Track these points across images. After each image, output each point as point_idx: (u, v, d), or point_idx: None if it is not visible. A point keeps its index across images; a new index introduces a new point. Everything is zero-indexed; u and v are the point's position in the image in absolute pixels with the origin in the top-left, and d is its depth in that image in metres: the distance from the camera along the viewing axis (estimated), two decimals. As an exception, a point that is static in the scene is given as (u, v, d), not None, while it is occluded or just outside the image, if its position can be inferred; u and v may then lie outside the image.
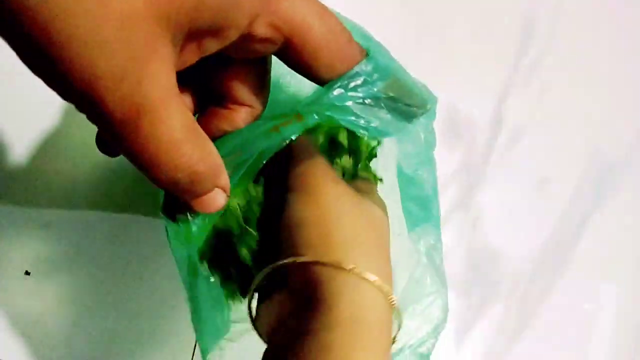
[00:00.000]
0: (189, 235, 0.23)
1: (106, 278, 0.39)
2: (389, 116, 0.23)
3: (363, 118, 0.23)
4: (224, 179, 0.21)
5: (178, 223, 0.23)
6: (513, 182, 0.50)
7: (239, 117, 0.23)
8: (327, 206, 0.22)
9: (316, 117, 0.22)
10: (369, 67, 0.22)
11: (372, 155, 0.31)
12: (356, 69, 0.22)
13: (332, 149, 0.28)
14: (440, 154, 0.50)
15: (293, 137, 0.22)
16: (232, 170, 0.22)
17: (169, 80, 0.17)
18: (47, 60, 0.15)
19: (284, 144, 0.23)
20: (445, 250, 0.49)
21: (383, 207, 0.26)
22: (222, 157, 0.21)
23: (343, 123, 0.23)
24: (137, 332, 0.39)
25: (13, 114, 0.38)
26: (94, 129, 0.18)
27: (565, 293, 0.49)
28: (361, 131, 0.23)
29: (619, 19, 0.56)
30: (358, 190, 0.25)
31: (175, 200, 0.22)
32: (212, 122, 0.23)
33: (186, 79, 0.22)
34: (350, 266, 0.21)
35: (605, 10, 0.55)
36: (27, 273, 0.37)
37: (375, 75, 0.23)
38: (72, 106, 0.17)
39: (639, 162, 0.54)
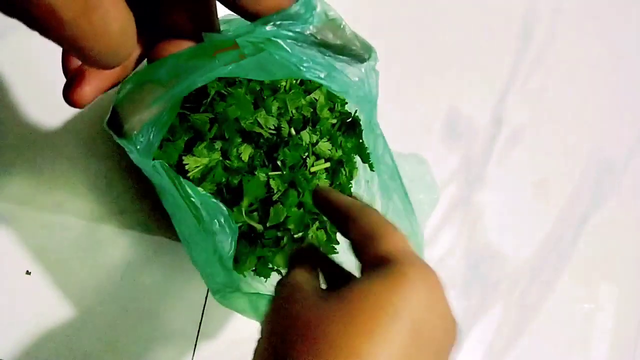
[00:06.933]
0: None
1: (106, 278, 0.39)
2: (323, 59, 0.24)
3: (295, 56, 0.23)
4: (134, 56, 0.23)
5: (126, 137, 0.24)
6: (513, 182, 0.50)
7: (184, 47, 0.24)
8: None
9: (252, 47, 0.23)
10: (301, 8, 0.23)
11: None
12: (290, 8, 0.22)
13: None
14: (440, 153, 0.50)
15: (229, 68, 0.23)
16: (170, 97, 0.23)
17: None
18: None
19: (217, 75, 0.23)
20: (445, 251, 0.49)
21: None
22: (160, 78, 0.22)
23: (277, 57, 0.23)
24: (138, 332, 0.39)
25: (13, 114, 0.38)
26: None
27: (565, 293, 0.49)
28: (293, 68, 0.24)
29: (619, 19, 0.56)
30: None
31: (117, 116, 0.23)
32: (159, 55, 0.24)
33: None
34: None
35: (605, 10, 0.55)
36: (27, 273, 0.37)
37: (309, 16, 0.23)
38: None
39: (638, 162, 0.54)
